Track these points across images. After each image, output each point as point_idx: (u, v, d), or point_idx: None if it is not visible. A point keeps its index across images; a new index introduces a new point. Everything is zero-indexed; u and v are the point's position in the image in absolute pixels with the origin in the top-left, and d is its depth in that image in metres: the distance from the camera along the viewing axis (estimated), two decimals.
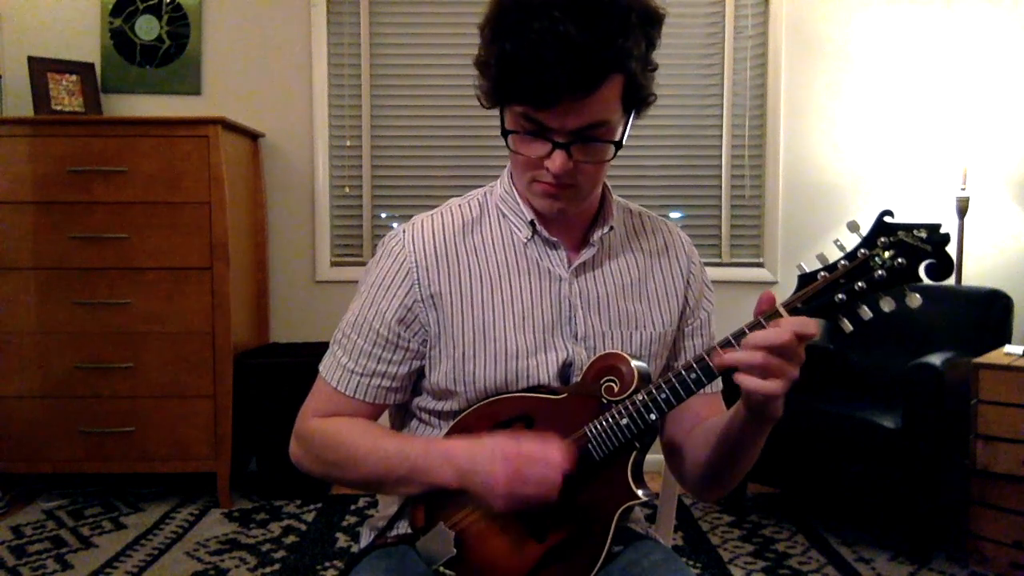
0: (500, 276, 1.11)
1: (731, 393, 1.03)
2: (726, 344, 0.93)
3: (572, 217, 1.12)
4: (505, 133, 1.02)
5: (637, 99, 1.01)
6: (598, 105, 0.96)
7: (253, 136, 3.36)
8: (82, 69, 3.27)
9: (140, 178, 2.91)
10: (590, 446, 1.01)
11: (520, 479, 0.96)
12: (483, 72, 1.02)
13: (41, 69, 3.17)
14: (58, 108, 3.17)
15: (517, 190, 1.14)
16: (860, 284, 0.89)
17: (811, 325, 0.89)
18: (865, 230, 0.91)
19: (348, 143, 3.52)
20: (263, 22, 3.44)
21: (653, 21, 0.98)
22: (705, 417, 1.14)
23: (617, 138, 1.01)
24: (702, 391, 0.99)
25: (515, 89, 0.96)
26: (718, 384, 1.19)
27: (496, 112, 1.07)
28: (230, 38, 3.43)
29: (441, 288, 1.10)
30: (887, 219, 0.90)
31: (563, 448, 0.98)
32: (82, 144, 2.90)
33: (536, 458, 0.96)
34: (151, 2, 3.39)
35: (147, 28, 3.39)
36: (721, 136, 3.49)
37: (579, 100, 0.94)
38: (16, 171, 2.90)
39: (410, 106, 3.50)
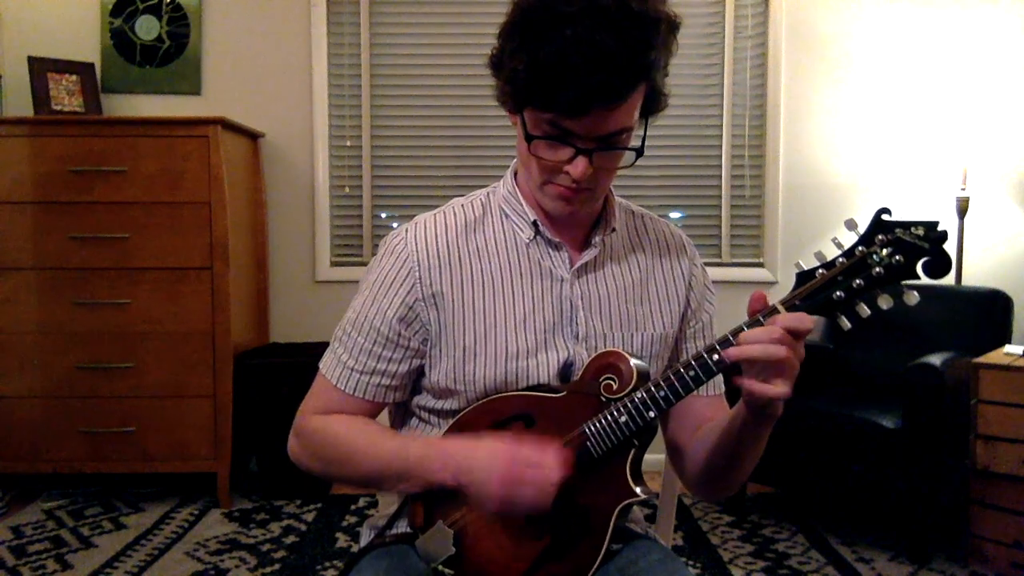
0: (502, 276, 1.11)
1: (733, 395, 1.03)
2: (724, 342, 0.93)
3: (576, 218, 1.12)
4: (529, 138, 1.01)
5: (654, 106, 1.03)
6: (624, 113, 0.98)
7: (253, 136, 3.36)
8: (82, 69, 3.27)
9: (140, 178, 2.91)
10: (589, 444, 1.01)
11: (516, 482, 0.96)
12: (507, 76, 1.01)
13: (41, 69, 3.17)
14: (58, 108, 3.17)
15: (522, 191, 1.14)
16: (858, 281, 0.89)
17: (805, 320, 0.89)
18: (863, 228, 0.91)
19: (348, 143, 3.52)
20: (263, 22, 3.44)
21: (675, 30, 0.99)
22: (708, 419, 1.14)
23: (638, 144, 1.02)
24: (703, 392, 0.99)
25: (546, 97, 0.95)
26: (720, 385, 1.20)
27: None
28: (230, 38, 3.43)
29: (443, 287, 1.10)
30: (885, 217, 0.90)
31: (561, 454, 0.98)
32: (82, 144, 2.90)
33: (533, 462, 0.97)
34: (151, 2, 3.39)
35: (147, 28, 3.39)
36: (721, 136, 3.49)
37: (608, 109, 0.95)
38: (16, 171, 2.90)
39: (410, 106, 3.50)
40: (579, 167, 0.99)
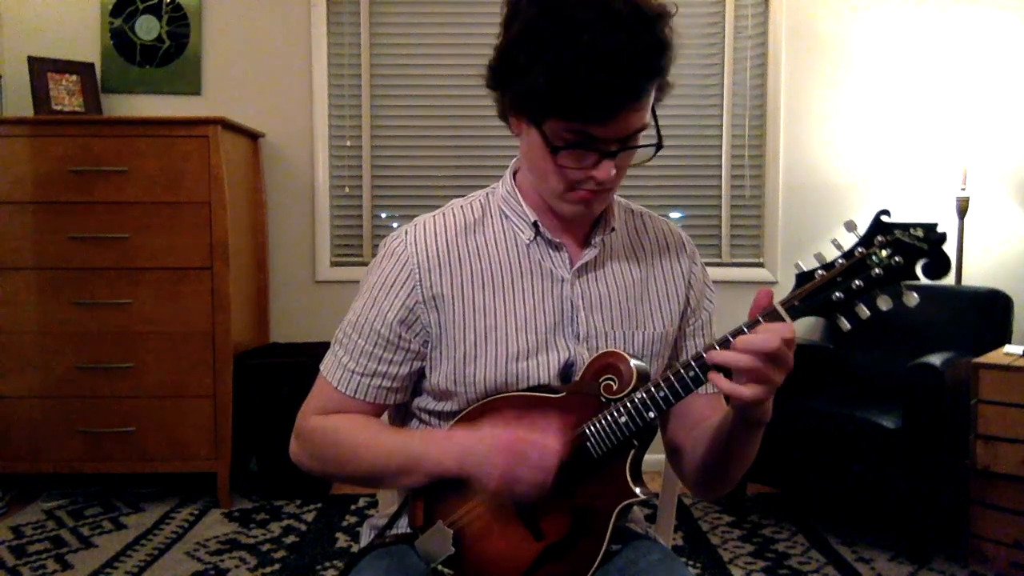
0: (502, 277, 1.11)
1: None
2: (723, 342, 0.93)
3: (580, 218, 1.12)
4: (556, 150, 1.00)
5: (661, 97, 1.04)
6: (642, 112, 0.99)
7: (253, 136, 3.36)
8: (82, 69, 3.27)
9: (140, 178, 2.91)
10: (588, 444, 1.01)
11: (516, 462, 0.97)
12: (523, 89, 0.99)
13: (41, 69, 3.17)
14: (58, 108, 3.17)
15: (521, 191, 1.14)
16: (857, 282, 0.90)
17: (787, 331, 0.90)
18: (862, 229, 0.91)
19: (348, 143, 3.52)
20: (263, 22, 3.44)
21: (671, 22, 1.00)
22: (707, 417, 1.13)
23: (656, 140, 1.03)
24: (702, 391, 0.99)
25: (572, 107, 0.95)
26: None
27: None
28: (230, 38, 3.43)
29: (443, 289, 1.10)
30: (884, 218, 0.90)
31: (560, 436, 0.98)
32: (82, 144, 2.90)
33: (533, 443, 0.97)
34: (151, 2, 3.39)
35: (147, 28, 3.39)
36: (721, 136, 3.49)
37: (632, 111, 0.96)
38: (16, 171, 2.90)
39: (410, 106, 3.50)
40: (607, 171, 1.00)
